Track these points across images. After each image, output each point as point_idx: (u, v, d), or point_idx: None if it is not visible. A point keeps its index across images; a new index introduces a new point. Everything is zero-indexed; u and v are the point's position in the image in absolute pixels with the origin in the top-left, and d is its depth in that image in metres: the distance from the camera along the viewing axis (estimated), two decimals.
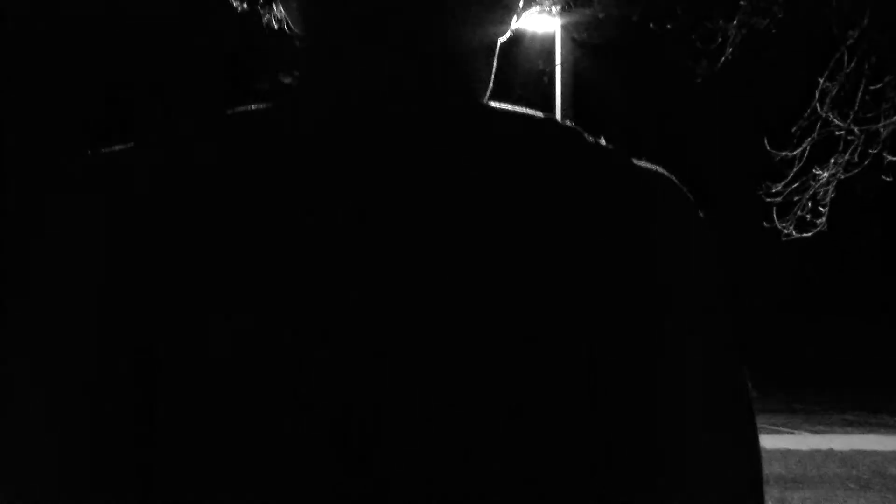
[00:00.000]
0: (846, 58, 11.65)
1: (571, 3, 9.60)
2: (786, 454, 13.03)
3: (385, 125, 0.92)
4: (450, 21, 0.96)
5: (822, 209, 11.78)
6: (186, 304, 0.86)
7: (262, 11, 1.00)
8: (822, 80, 11.65)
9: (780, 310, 25.88)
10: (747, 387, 0.92)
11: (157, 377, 0.86)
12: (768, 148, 11.81)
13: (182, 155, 0.91)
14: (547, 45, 11.05)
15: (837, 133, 11.77)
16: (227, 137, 0.92)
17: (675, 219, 0.93)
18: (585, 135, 0.94)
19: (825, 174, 11.78)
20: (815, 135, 11.77)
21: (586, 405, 0.87)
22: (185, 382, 0.86)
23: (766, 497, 0.94)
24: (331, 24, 0.96)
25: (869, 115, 11.71)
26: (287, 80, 0.97)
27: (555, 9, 9.79)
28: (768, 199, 11.89)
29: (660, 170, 0.95)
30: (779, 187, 11.82)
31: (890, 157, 11.56)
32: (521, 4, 1.00)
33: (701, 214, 0.95)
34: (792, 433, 15.83)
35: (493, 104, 0.96)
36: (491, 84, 1.00)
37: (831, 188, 11.78)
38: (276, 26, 1.00)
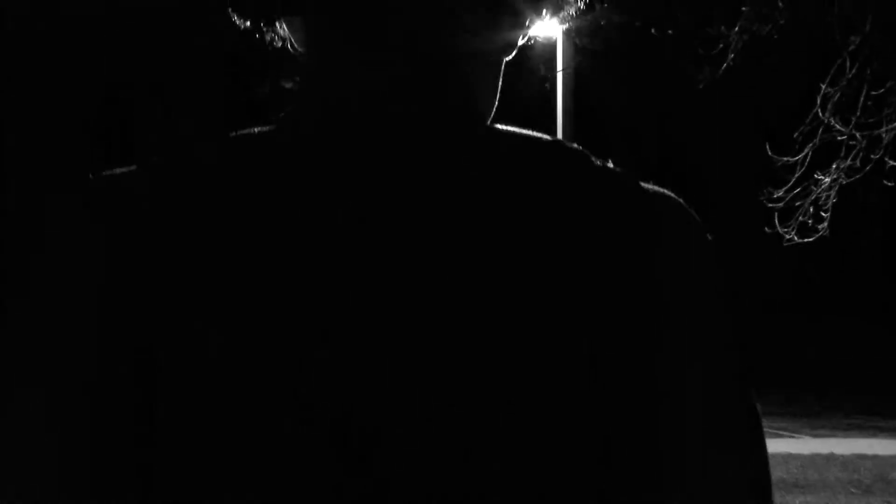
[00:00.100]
0: (848, 63, 11.66)
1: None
2: (787, 458, 13.03)
3: (385, 126, 0.93)
4: (451, 25, 0.96)
5: (823, 214, 11.79)
6: (186, 305, 0.87)
7: (265, 30, 1.00)
8: (823, 86, 11.66)
9: (781, 310, 25.89)
10: (751, 394, 0.92)
11: (157, 377, 0.86)
12: (770, 153, 11.82)
13: (183, 167, 0.92)
14: (549, 50, 11.06)
15: (839, 138, 11.78)
16: (227, 149, 0.93)
17: (681, 239, 0.93)
18: (593, 158, 0.94)
19: (827, 179, 11.79)
20: (816, 140, 11.78)
21: (586, 406, 0.87)
22: (184, 382, 0.86)
23: None
24: (332, 36, 0.96)
25: (871, 120, 11.72)
26: (288, 85, 0.98)
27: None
28: (770, 205, 11.90)
29: (668, 193, 0.95)
30: (781, 192, 11.83)
31: (892, 163, 11.58)
32: (527, 23, 1.00)
33: (709, 237, 0.95)
34: (793, 437, 15.84)
35: (498, 126, 0.96)
36: (496, 105, 1.00)
37: (833, 193, 11.78)
38: (279, 45, 1.01)
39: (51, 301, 0.89)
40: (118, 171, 0.94)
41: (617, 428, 0.88)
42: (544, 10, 1.00)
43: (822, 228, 11.76)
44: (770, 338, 21.56)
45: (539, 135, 0.95)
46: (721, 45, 11.44)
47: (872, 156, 11.63)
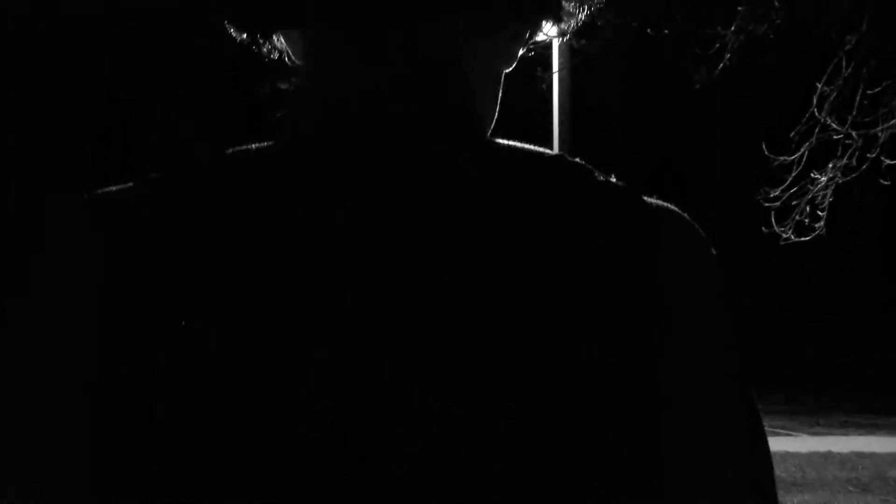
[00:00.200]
0: (844, 63, 11.67)
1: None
2: (784, 457, 13.02)
3: (385, 125, 0.93)
4: (451, 27, 0.96)
5: (820, 213, 11.79)
6: (186, 305, 0.87)
7: (262, 42, 1.00)
8: (820, 85, 11.66)
9: (781, 311, 25.83)
10: (751, 394, 0.93)
11: (156, 377, 0.86)
12: (767, 152, 11.83)
13: (182, 173, 0.93)
14: (544, 51, 11.05)
15: (836, 137, 11.78)
16: (226, 154, 0.94)
17: (682, 250, 0.93)
18: (596, 173, 0.94)
19: (823, 178, 11.79)
20: (813, 139, 11.78)
21: (586, 408, 0.87)
22: (184, 383, 0.86)
23: None
24: (332, 37, 0.96)
25: (867, 119, 11.72)
26: (285, 87, 0.98)
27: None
28: (767, 204, 11.90)
29: (671, 207, 0.96)
30: (777, 192, 11.84)
31: (888, 161, 11.57)
32: (527, 36, 1.00)
33: (713, 252, 0.95)
34: (790, 435, 15.81)
35: (499, 140, 0.97)
36: (495, 116, 1.01)
37: (829, 192, 11.79)
38: (275, 57, 1.01)
39: (51, 301, 0.89)
40: (114, 188, 0.94)
41: (617, 430, 0.88)
42: (545, 24, 1.00)
43: (819, 227, 11.76)
44: (769, 338, 21.52)
45: (541, 149, 0.96)
46: (718, 45, 11.44)
47: (869, 155, 11.63)
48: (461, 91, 0.96)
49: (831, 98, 11.65)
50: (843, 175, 11.78)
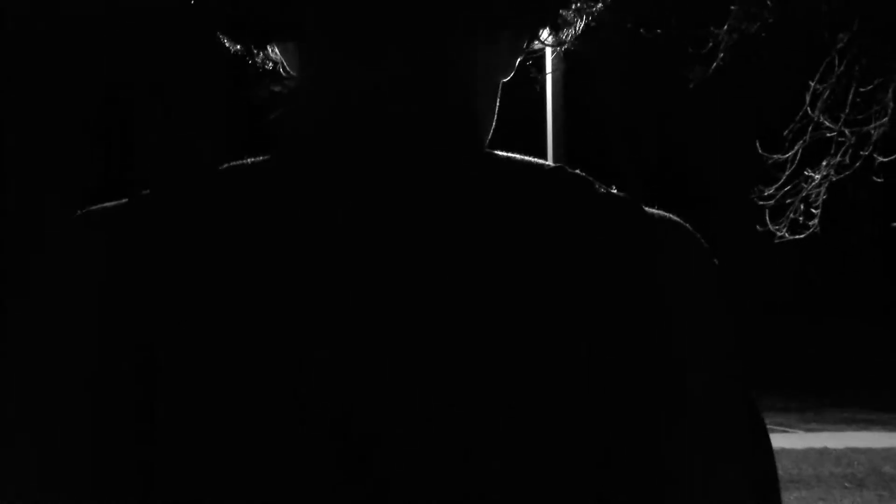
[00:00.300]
0: (837, 61, 11.71)
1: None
2: (780, 453, 13.02)
3: (385, 125, 0.93)
4: (451, 28, 0.96)
5: (814, 211, 11.84)
6: (186, 304, 0.87)
7: (255, 52, 1.00)
8: (813, 84, 11.70)
9: (782, 312, 25.80)
10: (752, 395, 0.94)
11: (157, 376, 0.86)
12: (760, 151, 11.87)
13: (180, 181, 0.94)
14: (537, 52, 10.96)
15: (829, 135, 11.82)
16: (225, 163, 0.94)
17: (683, 258, 0.94)
18: (597, 185, 0.95)
19: (817, 176, 11.84)
20: (807, 137, 11.82)
21: (585, 409, 0.88)
22: (184, 382, 0.86)
23: None
24: (332, 38, 0.96)
25: (860, 117, 11.76)
26: (278, 89, 0.98)
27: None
28: (761, 203, 11.94)
29: (673, 217, 0.96)
30: (772, 190, 11.88)
31: (881, 159, 11.61)
32: (525, 46, 1.01)
33: (714, 260, 0.96)
34: (786, 432, 15.80)
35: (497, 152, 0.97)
36: (493, 126, 1.01)
37: (823, 190, 11.83)
38: (269, 67, 1.01)
39: (51, 299, 0.89)
40: (110, 203, 0.94)
41: (616, 430, 0.88)
42: (542, 33, 1.01)
43: (813, 225, 11.81)
44: (770, 339, 21.53)
45: (540, 161, 0.96)
46: (711, 44, 11.48)
47: (862, 152, 11.68)
48: (461, 91, 0.96)
49: (824, 96, 11.69)
50: (837, 173, 11.83)
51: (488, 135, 0.99)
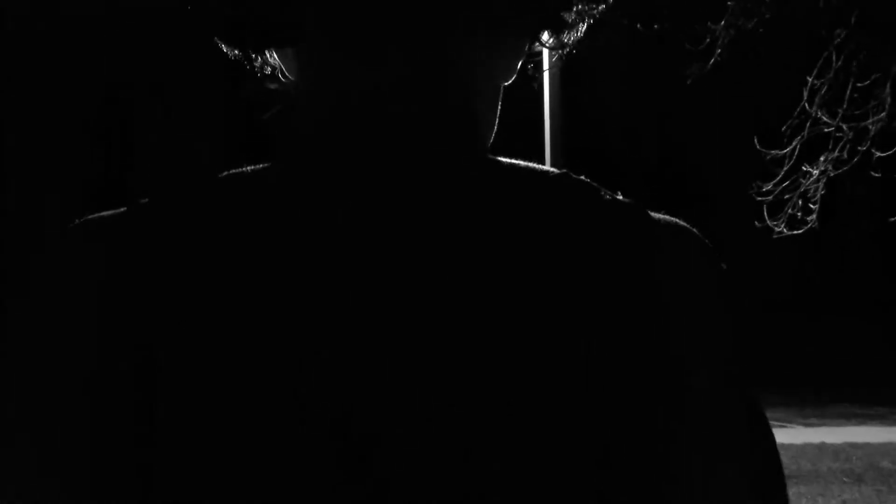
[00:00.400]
0: (834, 57, 11.75)
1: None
2: (778, 449, 13.06)
3: (386, 125, 0.93)
4: (450, 28, 0.96)
5: (812, 206, 11.88)
6: (186, 304, 0.87)
7: (253, 57, 1.00)
8: (810, 79, 11.74)
9: (781, 310, 25.80)
10: (752, 393, 0.94)
11: (156, 377, 0.86)
12: (759, 147, 11.91)
13: (182, 183, 0.94)
14: (536, 55, 10.96)
15: (827, 131, 11.86)
16: (225, 171, 0.94)
17: (688, 261, 0.94)
18: (602, 191, 0.95)
19: (815, 172, 11.88)
20: (804, 133, 11.86)
21: (585, 408, 0.88)
22: (184, 382, 0.86)
23: None
24: (332, 39, 0.96)
25: (857, 112, 11.80)
26: (273, 87, 1.00)
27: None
28: (759, 198, 11.98)
29: (679, 222, 0.96)
30: (770, 186, 11.92)
31: (879, 154, 11.66)
32: (526, 50, 1.01)
33: (721, 264, 0.96)
34: (785, 427, 15.86)
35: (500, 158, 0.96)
36: (494, 132, 1.00)
37: (821, 185, 11.88)
38: (268, 72, 1.01)
39: (50, 300, 0.89)
40: (107, 212, 0.94)
41: (616, 430, 0.88)
42: (544, 37, 1.00)
43: (811, 220, 11.85)
44: (770, 337, 21.56)
45: (545, 167, 0.96)
46: (708, 41, 11.51)
47: (859, 148, 11.71)
48: (461, 92, 0.96)
49: (822, 92, 11.73)
50: (835, 168, 11.87)
51: (490, 137, 0.99)
